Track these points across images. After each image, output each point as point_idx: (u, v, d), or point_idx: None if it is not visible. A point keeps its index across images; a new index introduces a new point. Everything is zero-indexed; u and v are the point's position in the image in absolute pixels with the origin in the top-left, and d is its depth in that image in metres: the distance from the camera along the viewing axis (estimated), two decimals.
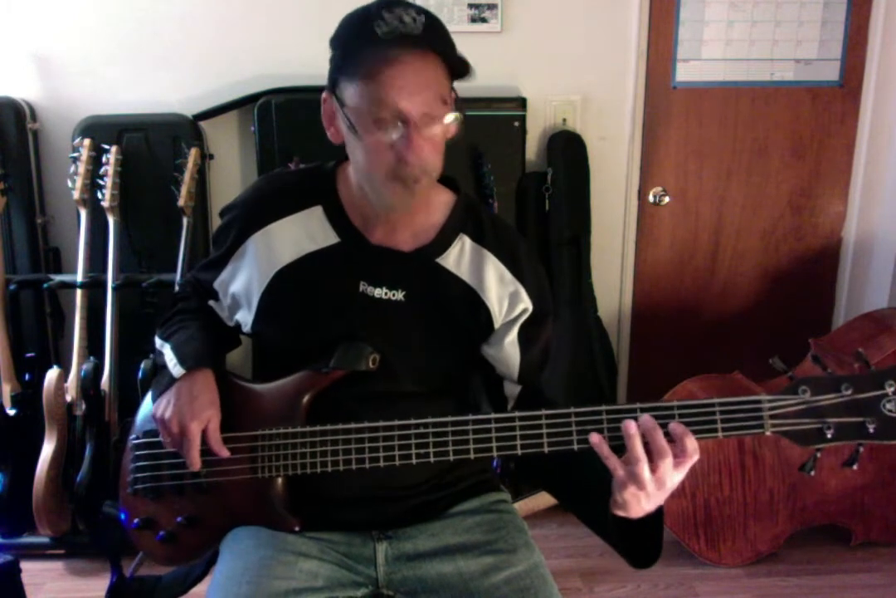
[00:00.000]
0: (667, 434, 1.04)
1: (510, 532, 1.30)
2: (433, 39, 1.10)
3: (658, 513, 1.10)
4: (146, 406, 1.38)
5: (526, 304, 1.26)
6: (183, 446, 1.22)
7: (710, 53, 2.69)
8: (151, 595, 1.47)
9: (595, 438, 1.06)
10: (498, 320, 1.26)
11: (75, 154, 2.41)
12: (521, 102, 2.57)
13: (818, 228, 2.90)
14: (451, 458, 1.14)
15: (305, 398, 1.23)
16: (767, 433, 1.07)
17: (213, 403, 1.24)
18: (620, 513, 1.08)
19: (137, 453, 1.34)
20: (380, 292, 1.23)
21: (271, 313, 1.27)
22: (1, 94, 2.51)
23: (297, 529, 1.25)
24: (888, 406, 1.05)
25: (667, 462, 1.03)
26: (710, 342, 2.93)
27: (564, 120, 2.67)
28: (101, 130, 2.47)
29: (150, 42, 2.53)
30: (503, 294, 1.26)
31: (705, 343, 2.93)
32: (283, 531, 1.26)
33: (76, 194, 2.40)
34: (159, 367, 1.32)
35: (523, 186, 2.63)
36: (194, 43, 2.54)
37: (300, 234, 1.25)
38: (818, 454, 1.08)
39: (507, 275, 1.26)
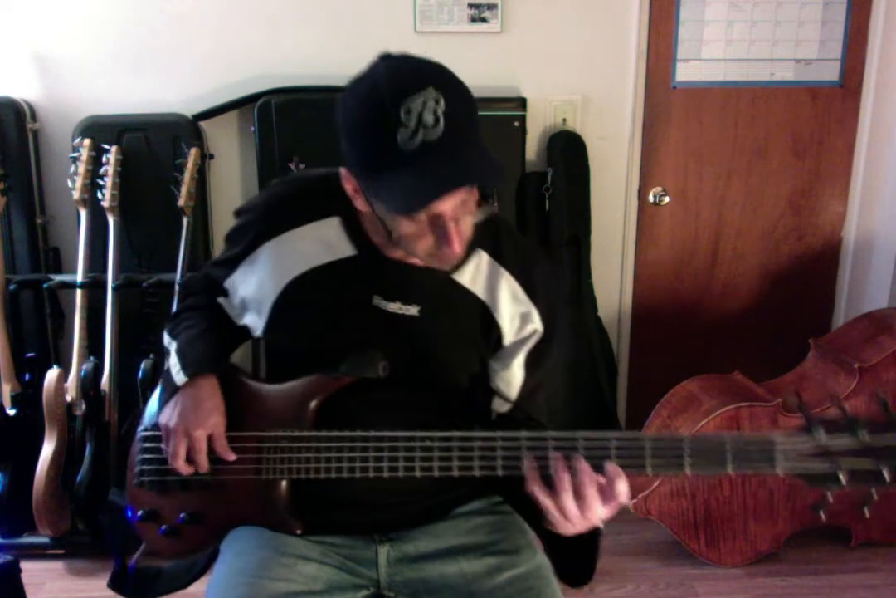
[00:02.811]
0: (599, 467, 1.07)
1: (513, 534, 1.30)
2: (459, 135, 1.03)
3: (592, 534, 1.12)
4: (154, 401, 1.36)
5: (536, 325, 1.26)
6: (179, 455, 1.21)
7: (710, 53, 2.69)
8: (152, 586, 1.46)
9: (530, 475, 1.08)
10: (508, 337, 1.26)
11: (75, 154, 2.41)
12: (521, 102, 2.57)
13: (818, 228, 2.89)
14: (456, 474, 1.14)
15: (313, 403, 1.23)
16: (780, 474, 1.06)
17: (218, 409, 1.24)
18: (551, 528, 1.12)
19: (145, 445, 1.33)
20: (394, 307, 1.22)
21: (283, 322, 1.26)
22: (1, 94, 2.51)
23: (298, 532, 1.25)
24: None
25: (595, 507, 1.06)
26: (710, 342, 2.93)
27: (564, 120, 2.67)
28: (101, 130, 2.47)
29: (150, 42, 2.53)
30: (514, 313, 1.25)
31: (705, 343, 2.93)
32: (284, 534, 1.26)
33: (76, 194, 2.40)
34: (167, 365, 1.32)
35: (523, 186, 2.63)
36: (194, 43, 2.54)
37: (316, 244, 1.24)
38: (830, 497, 1.07)
39: (521, 294, 1.25)
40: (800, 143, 2.79)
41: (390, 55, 1.07)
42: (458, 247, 1.09)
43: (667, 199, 2.80)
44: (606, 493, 1.06)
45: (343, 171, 1.13)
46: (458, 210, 1.07)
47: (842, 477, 1.04)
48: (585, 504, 1.06)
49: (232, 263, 1.31)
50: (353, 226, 1.23)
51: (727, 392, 2.36)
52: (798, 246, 2.90)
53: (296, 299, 1.25)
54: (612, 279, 2.85)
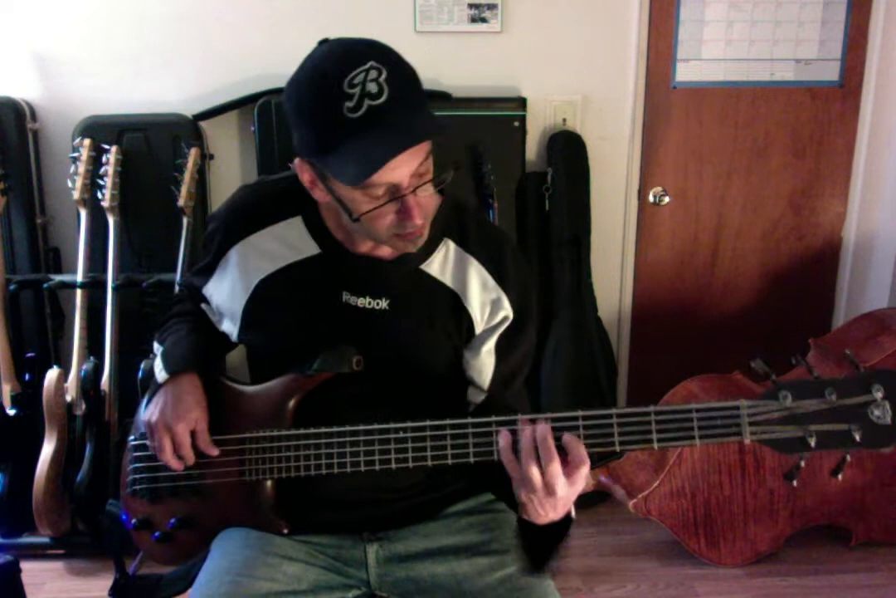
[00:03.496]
0: (558, 439, 1.05)
1: (504, 532, 1.29)
2: (404, 101, 1.04)
3: (561, 526, 1.10)
4: (142, 409, 1.38)
5: (507, 312, 1.25)
6: (165, 449, 1.22)
7: (710, 53, 2.69)
8: (153, 593, 1.48)
9: (503, 441, 1.07)
10: (479, 326, 1.25)
11: (75, 154, 2.41)
12: (521, 102, 2.57)
13: (818, 228, 2.90)
14: (430, 463, 1.13)
15: (292, 402, 1.23)
16: (747, 441, 1.01)
17: (200, 403, 1.25)
18: (526, 517, 1.10)
19: (135, 454, 1.35)
20: (363, 302, 1.23)
21: (255, 324, 1.27)
22: (1, 94, 2.51)
23: (284, 531, 1.26)
24: (875, 412, 0.99)
25: (553, 467, 1.03)
26: (710, 342, 2.93)
27: (564, 120, 2.67)
28: (101, 130, 2.47)
29: (150, 42, 2.53)
30: (485, 301, 1.25)
31: (705, 343, 2.93)
32: (272, 533, 1.26)
33: (76, 194, 2.40)
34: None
35: (523, 186, 2.63)
36: (194, 43, 2.54)
37: (280, 244, 1.25)
38: (802, 463, 1.02)
39: (491, 281, 1.25)
40: (800, 143, 2.79)
41: (327, 39, 1.10)
42: (417, 218, 1.08)
43: (667, 199, 2.80)
44: (568, 463, 1.04)
45: (297, 162, 1.15)
46: (414, 180, 1.08)
47: (811, 441, 0.99)
48: (548, 474, 1.03)
49: (206, 271, 1.32)
50: (316, 224, 1.24)
51: (727, 392, 2.37)
52: (798, 246, 2.90)
53: (265, 300, 1.25)
54: (612, 279, 2.85)
